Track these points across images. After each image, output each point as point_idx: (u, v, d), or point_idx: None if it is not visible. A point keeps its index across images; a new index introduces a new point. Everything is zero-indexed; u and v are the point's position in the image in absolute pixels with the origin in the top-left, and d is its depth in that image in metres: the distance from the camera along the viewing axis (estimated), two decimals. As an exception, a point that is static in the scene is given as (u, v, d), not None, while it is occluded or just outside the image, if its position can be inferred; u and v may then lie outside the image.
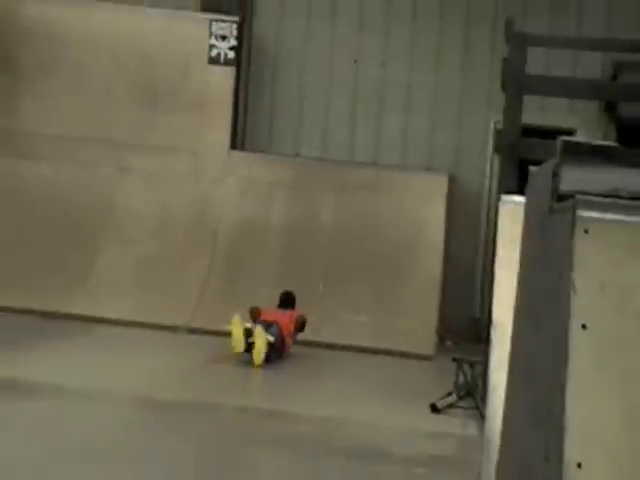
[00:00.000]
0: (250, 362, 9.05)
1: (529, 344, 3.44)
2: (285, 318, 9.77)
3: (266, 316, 9.67)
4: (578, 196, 2.41)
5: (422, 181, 11.66)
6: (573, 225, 2.33)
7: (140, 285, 11.06)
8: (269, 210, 11.59)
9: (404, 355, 10.33)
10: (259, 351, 9.07)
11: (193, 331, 10.54)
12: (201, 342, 10.17)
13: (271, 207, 11.61)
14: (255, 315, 9.69)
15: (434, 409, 8.11)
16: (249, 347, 9.12)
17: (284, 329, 9.60)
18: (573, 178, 2.78)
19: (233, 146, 11.92)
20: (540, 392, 2.82)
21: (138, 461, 6.08)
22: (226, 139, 11.80)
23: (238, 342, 9.12)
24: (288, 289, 10.33)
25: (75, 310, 10.61)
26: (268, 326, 9.36)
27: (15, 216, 11.46)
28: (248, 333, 9.17)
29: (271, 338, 9.24)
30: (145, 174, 11.66)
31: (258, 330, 9.16)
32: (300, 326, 9.93)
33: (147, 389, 7.88)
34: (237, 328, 9.16)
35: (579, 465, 2.11)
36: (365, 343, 10.54)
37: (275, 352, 9.35)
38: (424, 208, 11.41)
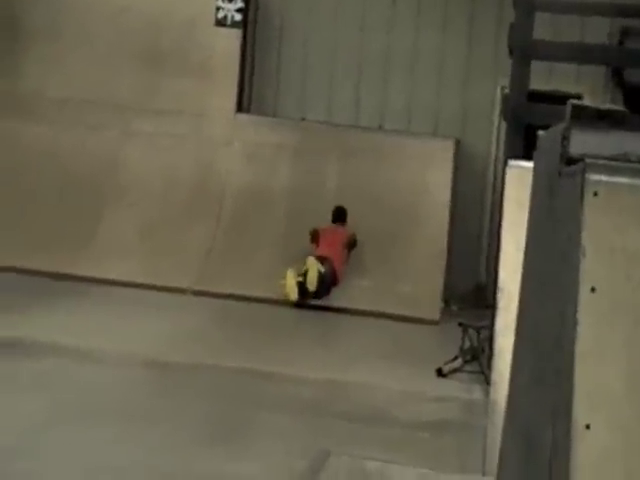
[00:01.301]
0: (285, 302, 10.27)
1: (536, 308, 3.44)
2: (338, 243, 10.76)
3: (324, 237, 10.80)
4: (587, 159, 2.41)
5: (428, 146, 11.63)
6: (582, 188, 2.32)
7: (145, 248, 11.07)
8: (274, 174, 11.57)
9: (409, 320, 10.34)
10: (312, 278, 10.28)
11: (198, 293, 10.56)
12: (206, 304, 10.20)
13: (276, 171, 11.59)
14: (315, 238, 10.83)
15: (439, 373, 8.13)
16: (302, 289, 10.31)
17: (336, 262, 10.66)
18: (582, 141, 2.77)
19: (239, 109, 11.88)
20: (547, 355, 2.82)
21: (140, 421, 6.10)
22: (232, 102, 11.76)
23: (291, 290, 10.26)
24: (340, 205, 11.13)
25: (81, 272, 10.63)
26: (322, 261, 10.50)
27: (20, 178, 11.46)
28: (301, 285, 10.32)
29: (322, 268, 10.39)
30: (150, 137, 11.64)
31: (310, 260, 10.41)
32: (352, 244, 10.92)
33: (151, 350, 7.91)
34: (290, 279, 10.30)
35: (587, 427, 2.11)
36: (370, 307, 10.56)
37: (325, 284, 10.40)
38: (430, 173, 11.38)
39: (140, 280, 10.58)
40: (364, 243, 11.18)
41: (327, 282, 10.51)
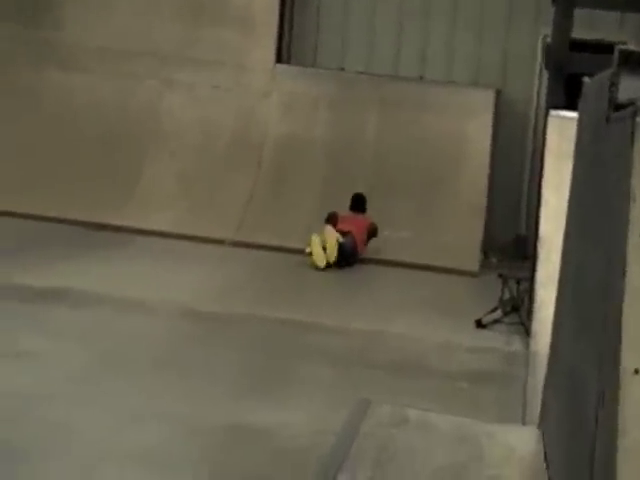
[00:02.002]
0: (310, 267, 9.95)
1: (581, 256, 3.42)
2: (359, 226, 10.39)
3: (342, 224, 10.31)
4: (638, 104, 2.37)
5: (468, 96, 11.52)
6: (633, 133, 2.29)
7: (186, 198, 11.11)
8: (313, 125, 11.54)
9: (449, 271, 10.32)
10: (331, 249, 9.98)
11: (238, 244, 10.60)
12: (245, 255, 10.24)
13: (315, 122, 11.55)
14: (333, 220, 10.34)
15: (479, 325, 8.13)
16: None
17: (357, 238, 10.30)
18: (631, 87, 2.73)
19: (278, 60, 11.83)
20: (593, 303, 2.80)
21: (179, 371, 6.17)
22: (271, 53, 11.72)
23: (319, 257, 9.94)
24: (359, 192, 10.79)
25: (122, 222, 10.70)
26: (343, 235, 10.16)
27: (62, 128, 11.53)
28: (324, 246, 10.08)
29: (341, 238, 10.07)
30: (190, 88, 11.65)
31: (328, 229, 10.10)
32: (372, 233, 10.53)
33: (190, 300, 7.97)
34: (316, 246, 9.97)
35: (636, 371, 2.10)
36: (409, 259, 10.54)
37: (345, 255, 10.09)
38: (470, 124, 11.30)
39: (180, 231, 10.63)
40: (402, 194, 11.14)
41: (347, 253, 10.18)
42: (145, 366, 6.22)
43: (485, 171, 11.18)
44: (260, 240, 10.59)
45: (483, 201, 11.08)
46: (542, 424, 4.32)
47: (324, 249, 10.01)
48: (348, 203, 10.75)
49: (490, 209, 11.20)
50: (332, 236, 10.07)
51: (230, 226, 10.87)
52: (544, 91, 10.93)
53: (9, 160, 11.32)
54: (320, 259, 9.96)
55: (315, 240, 10.00)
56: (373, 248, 10.63)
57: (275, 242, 10.56)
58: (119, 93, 11.65)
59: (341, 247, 10.07)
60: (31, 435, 4.87)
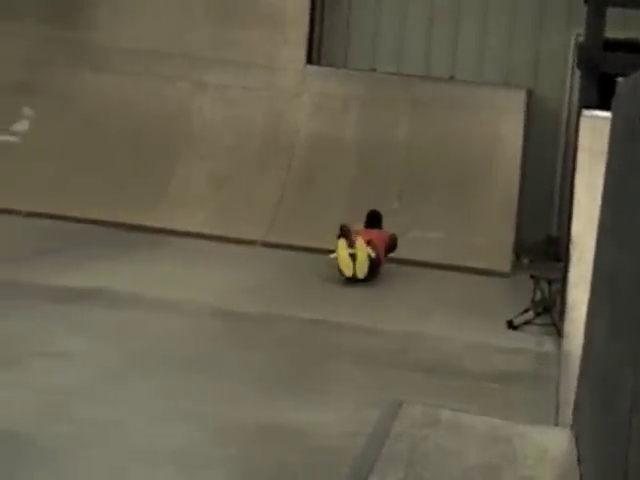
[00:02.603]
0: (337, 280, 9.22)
1: (614, 258, 3.40)
2: (378, 238, 9.74)
3: (359, 234, 9.65)
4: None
5: (499, 96, 11.48)
6: (668, 133, 2.28)
7: (217, 199, 11.15)
8: (344, 125, 11.54)
9: (480, 272, 10.29)
10: (362, 263, 9.23)
11: (268, 245, 10.62)
12: (275, 256, 10.26)
13: (346, 122, 11.55)
14: (346, 232, 9.64)
15: (510, 326, 8.10)
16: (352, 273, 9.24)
17: (379, 248, 9.62)
18: (666, 87, 2.71)
19: (309, 61, 11.84)
20: (627, 304, 2.79)
21: (211, 370, 6.19)
22: (302, 54, 11.73)
23: (346, 265, 9.21)
24: (374, 208, 10.32)
25: (153, 223, 10.75)
26: (367, 243, 9.50)
27: (94, 130, 11.60)
28: (353, 257, 9.25)
29: (372, 253, 9.37)
30: (221, 89, 11.68)
31: (360, 243, 9.30)
32: (392, 245, 9.93)
33: (222, 300, 7.99)
34: (343, 252, 9.26)
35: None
36: (440, 260, 10.52)
37: (373, 269, 9.38)
38: (501, 124, 11.26)
39: (211, 231, 10.67)
40: (433, 195, 11.12)
41: (375, 268, 9.47)
42: (176, 366, 6.24)
43: (516, 171, 11.14)
44: (291, 241, 10.60)
45: (514, 201, 11.03)
46: (575, 425, 4.31)
47: (352, 257, 9.25)
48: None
49: (521, 210, 11.16)
50: (363, 249, 9.34)
51: (261, 227, 10.90)
52: (576, 91, 10.88)
53: (43, 161, 11.41)
54: (346, 265, 9.22)
55: (341, 245, 9.31)
56: (404, 250, 10.60)
57: (306, 243, 10.57)
58: (150, 94, 11.71)
59: (372, 263, 9.35)
60: (62, 434, 4.91)
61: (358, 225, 9.99)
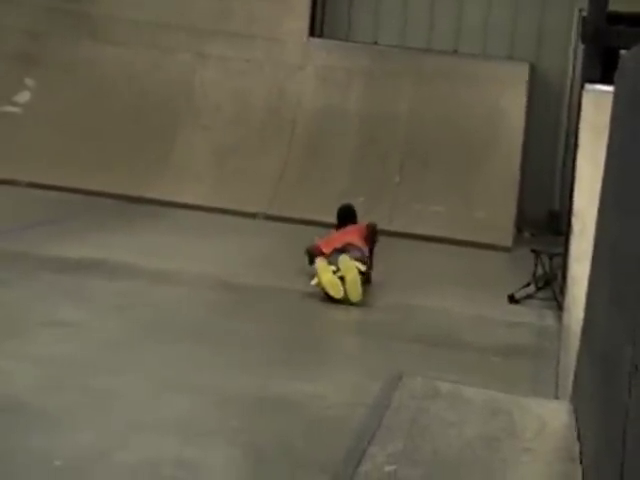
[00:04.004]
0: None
1: (616, 232, 3.41)
2: (355, 234, 8.21)
3: (332, 243, 8.04)
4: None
5: (502, 70, 11.45)
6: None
7: (219, 172, 11.14)
8: (346, 98, 11.51)
9: (481, 246, 10.30)
10: (353, 283, 7.43)
11: (270, 218, 10.62)
12: (277, 229, 10.26)
13: (349, 95, 11.53)
14: (315, 253, 7.97)
15: (512, 299, 8.11)
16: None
17: (360, 246, 8.08)
18: (670, 60, 2.71)
19: (311, 33, 11.80)
20: (627, 277, 2.80)
21: (212, 341, 6.21)
22: (305, 26, 11.70)
23: (334, 287, 7.41)
24: (346, 202, 9.00)
25: (155, 195, 10.76)
26: (343, 250, 7.83)
27: (96, 101, 11.58)
28: (341, 278, 7.49)
29: (362, 266, 7.69)
30: (223, 61, 11.65)
31: (344, 260, 7.56)
32: (372, 236, 8.35)
33: (223, 272, 8.00)
34: (326, 274, 7.46)
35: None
36: (441, 233, 10.53)
37: (369, 278, 7.95)
38: (504, 97, 11.23)
39: (213, 204, 10.67)
40: (435, 168, 11.10)
41: (369, 276, 7.94)
42: (177, 336, 6.26)
43: (519, 145, 11.13)
44: (293, 214, 10.61)
45: (517, 175, 11.03)
46: (574, 398, 4.32)
47: (340, 277, 7.45)
48: (373, 184, 10.50)
49: (523, 184, 11.15)
50: (351, 267, 7.50)
51: (263, 199, 10.90)
52: (579, 64, 10.84)
53: (44, 132, 11.39)
54: (333, 286, 7.37)
55: (322, 266, 7.52)
56: (405, 223, 10.59)
57: (308, 216, 10.56)
58: (152, 66, 11.67)
59: (362, 275, 7.64)
60: (65, 403, 4.93)
61: (327, 236, 8.46)
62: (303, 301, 7.50)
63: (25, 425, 4.58)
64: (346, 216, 8.74)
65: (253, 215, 10.62)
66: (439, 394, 4.39)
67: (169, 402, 5.09)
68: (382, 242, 10.09)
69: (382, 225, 10.52)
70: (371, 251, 8.22)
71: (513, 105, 11.20)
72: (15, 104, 11.65)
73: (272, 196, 10.98)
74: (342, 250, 7.80)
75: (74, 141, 11.30)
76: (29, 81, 11.74)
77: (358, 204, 10.76)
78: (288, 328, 6.77)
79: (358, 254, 7.82)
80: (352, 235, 8.15)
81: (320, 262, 7.57)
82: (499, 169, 11.04)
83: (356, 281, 7.44)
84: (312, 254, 7.97)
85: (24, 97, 11.70)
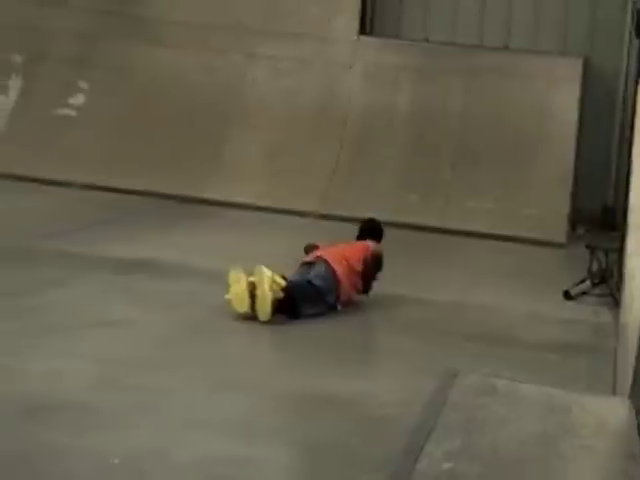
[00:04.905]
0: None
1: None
2: (355, 253, 7.34)
3: (327, 251, 7.31)
4: None
5: (555, 65, 11.33)
6: None
7: (270, 171, 11.15)
8: (397, 96, 11.46)
9: (535, 243, 10.19)
10: (262, 300, 6.50)
11: (322, 217, 10.60)
12: (329, 227, 10.24)
13: (399, 93, 11.47)
14: (308, 251, 7.48)
15: (567, 296, 8.02)
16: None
17: (340, 266, 7.08)
18: None
19: (362, 32, 11.77)
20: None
21: (266, 341, 6.22)
22: (355, 24, 11.66)
23: (238, 301, 6.60)
24: (372, 216, 8.18)
25: (208, 195, 10.79)
26: (309, 266, 7.08)
27: (148, 102, 11.64)
28: (252, 295, 6.61)
29: (280, 280, 6.71)
30: (273, 60, 11.66)
31: (259, 271, 6.64)
32: (375, 263, 7.38)
33: (276, 271, 7.98)
34: (236, 282, 6.65)
35: None
36: (494, 230, 10.44)
37: (301, 298, 6.74)
38: (557, 93, 11.11)
39: (264, 203, 10.67)
40: (487, 165, 11.00)
41: (305, 295, 6.78)
42: (229, 335, 6.28)
43: (572, 141, 11.00)
44: (344, 212, 10.57)
45: (570, 171, 10.90)
46: (634, 395, 4.26)
47: (253, 293, 6.57)
48: (425, 182, 10.35)
49: (577, 179, 11.02)
50: (261, 281, 6.57)
51: (314, 198, 10.88)
52: (634, 59, 10.69)
53: (98, 134, 11.49)
54: (238, 300, 6.58)
55: (234, 277, 6.68)
56: (456, 220, 10.50)
57: (359, 214, 10.49)
58: (204, 67, 11.72)
59: (286, 294, 6.65)
60: (121, 401, 4.96)
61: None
62: (356, 298, 7.47)
63: (82, 423, 4.62)
64: (368, 230, 7.83)
65: (305, 214, 10.61)
66: (495, 391, 4.35)
67: (222, 401, 5.11)
68: (434, 239, 10.07)
69: (434, 222, 10.52)
70: (369, 277, 7.31)
71: (566, 100, 11.07)
72: (70, 107, 11.76)
73: (323, 195, 10.97)
74: (311, 263, 7.09)
75: (127, 142, 11.38)
76: (83, 84, 11.85)
77: (410, 202, 10.80)
78: (339, 327, 6.74)
79: (321, 269, 6.94)
80: (352, 251, 7.36)
81: (234, 273, 6.72)
82: (552, 165, 10.93)
83: (264, 298, 6.50)
84: (309, 251, 7.45)
85: (78, 100, 11.80)
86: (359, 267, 7.23)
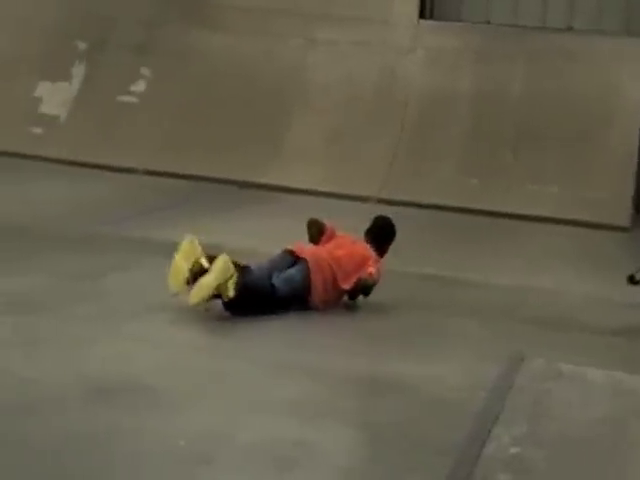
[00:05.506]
0: None
1: None
2: (350, 254, 6.52)
3: (331, 242, 6.66)
4: None
5: (620, 46, 11.16)
6: None
7: (330, 156, 11.14)
8: (458, 79, 11.38)
9: (598, 226, 10.07)
10: (200, 287, 5.83)
11: (382, 201, 10.57)
12: (390, 212, 10.16)
13: (460, 76, 11.39)
14: (316, 233, 6.75)
15: (631, 280, 7.89)
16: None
17: (321, 275, 6.32)
18: None
19: (422, 15, 11.70)
20: None
21: (327, 324, 6.21)
22: (415, 8, 11.60)
23: (175, 274, 5.97)
24: (384, 214, 7.16)
25: (268, 180, 10.82)
26: (287, 260, 6.43)
27: (209, 88, 11.71)
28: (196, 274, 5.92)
29: (231, 290, 5.84)
30: (333, 45, 11.64)
31: (220, 259, 5.90)
32: (360, 287, 6.46)
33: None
34: (178, 261, 5.98)
35: None
36: (556, 214, 10.34)
37: (250, 305, 6.03)
38: (622, 75, 10.95)
39: (325, 188, 10.67)
40: (549, 148, 10.88)
41: (259, 300, 6.08)
42: (290, 319, 6.27)
43: (637, 123, 10.84)
44: (405, 197, 10.53)
45: (634, 155, 10.75)
46: None
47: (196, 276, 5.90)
48: (486, 166, 10.27)
49: (642, 163, 10.86)
50: (223, 269, 5.84)
51: (375, 183, 10.85)
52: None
53: (159, 121, 11.57)
54: (175, 274, 5.97)
55: (186, 246, 6.04)
56: (518, 204, 10.39)
57: (420, 199, 10.49)
58: (264, 52, 11.74)
59: (243, 294, 5.91)
60: (185, 384, 5.00)
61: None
62: (417, 283, 7.45)
63: (146, 406, 4.66)
64: (379, 236, 6.88)
65: (365, 199, 10.58)
66: (561, 375, 4.31)
67: (284, 384, 5.11)
68: (496, 224, 9.97)
69: (496, 207, 10.43)
70: (352, 297, 6.58)
71: (631, 81, 10.90)
72: (131, 93, 11.86)
73: (384, 179, 10.93)
74: (295, 261, 6.35)
75: (188, 128, 11.45)
76: (145, 70, 11.93)
77: (471, 186, 10.72)
78: (401, 311, 6.72)
79: (296, 276, 6.23)
80: (348, 263, 6.45)
81: (188, 241, 6.05)
82: (616, 148, 10.78)
83: (204, 286, 5.81)
84: (314, 229, 6.71)
85: (140, 86, 11.90)
86: (346, 286, 6.41)
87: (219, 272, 5.82)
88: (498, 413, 3.70)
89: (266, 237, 8.44)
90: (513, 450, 3.43)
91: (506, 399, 3.86)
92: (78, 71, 12.04)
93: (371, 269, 6.41)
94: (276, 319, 6.25)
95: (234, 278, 5.87)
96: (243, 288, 5.91)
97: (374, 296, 6.77)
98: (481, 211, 10.34)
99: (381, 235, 6.85)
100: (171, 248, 7.61)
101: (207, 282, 5.82)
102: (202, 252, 5.97)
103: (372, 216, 7.16)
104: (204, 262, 5.92)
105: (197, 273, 5.90)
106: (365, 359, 5.61)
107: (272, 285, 6.17)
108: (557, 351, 5.85)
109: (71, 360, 5.20)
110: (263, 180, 10.81)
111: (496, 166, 10.91)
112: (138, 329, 5.81)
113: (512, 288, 7.54)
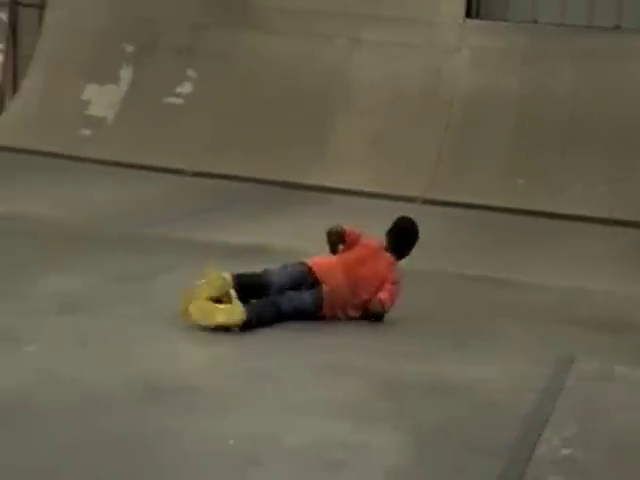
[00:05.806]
0: None
1: None
2: (374, 273, 6.19)
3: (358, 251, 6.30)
4: None
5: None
6: None
7: (376, 156, 11.12)
8: (504, 79, 11.32)
9: (647, 227, 9.98)
10: (196, 307, 5.73)
11: (427, 202, 10.53)
12: (436, 212, 10.15)
13: (506, 76, 11.33)
14: (336, 241, 6.46)
15: (682, 281, 7.81)
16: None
17: (334, 302, 6.06)
18: None
19: (468, 15, 11.64)
20: None
21: (374, 326, 6.18)
22: (461, 7, 11.55)
23: (197, 311, 5.73)
24: (407, 215, 6.71)
25: (314, 181, 10.83)
26: (299, 274, 6.16)
27: (255, 89, 11.74)
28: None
29: (227, 276, 5.88)
30: (378, 46, 11.62)
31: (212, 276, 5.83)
32: (374, 310, 6.16)
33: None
34: (210, 288, 5.82)
35: None
36: (604, 214, 10.25)
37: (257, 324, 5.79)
38: (671, 73, 10.84)
39: (371, 189, 10.66)
40: (597, 148, 10.77)
41: (265, 320, 5.86)
42: (328, 322, 6.23)
43: (686, 122, 10.72)
44: (451, 197, 10.49)
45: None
46: None
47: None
48: (533, 166, 10.26)
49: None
50: (210, 284, 5.78)
51: (421, 183, 10.81)
52: None
53: (205, 122, 11.62)
54: (197, 311, 5.70)
55: (209, 275, 5.89)
56: (566, 205, 10.30)
57: (466, 199, 10.44)
58: (309, 53, 11.75)
59: (250, 321, 5.74)
60: (231, 385, 5.00)
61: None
62: (466, 284, 7.40)
63: (193, 407, 4.66)
64: (400, 241, 6.47)
65: (412, 199, 10.54)
66: (613, 377, 4.25)
67: (332, 386, 5.09)
68: (544, 225, 9.89)
69: (543, 207, 10.35)
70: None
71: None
72: (178, 95, 11.93)
73: (430, 180, 10.89)
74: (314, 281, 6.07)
75: (234, 130, 11.49)
76: (191, 72, 12.00)
77: (517, 187, 10.65)
78: (451, 311, 6.68)
79: (306, 298, 6.01)
80: (365, 280, 6.14)
81: (213, 274, 5.90)
82: (665, 148, 10.66)
83: (208, 311, 5.71)
84: (334, 237, 6.45)
85: (186, 88, 11.96)
86: (355, 314, 6.17)
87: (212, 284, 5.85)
88: (549, 415, 3.66)
89: (311, 238, 8.43)
90: (564, 452, 3.39)
91: (557, 401, 3.82)
92: (125, 74, 12.13)
93: (383, 295, 6.15)
94: (316, 322, 6.22)
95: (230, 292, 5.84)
96: (249, 317, 5.78)
97: (422, 296, 6.74)
98: (528, 211, 10.28)
99: (402, 237, 6.50)
100: (217, 249, 7.65)
101: (197, 305, 5.78)
102: (230, 284, 5.90)
103: (415, 217, 7.03)
104: (232, 294, 5.86)
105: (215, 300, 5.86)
106: (413, 360, 5.58)
107: (277, 305, 6.00)
108: (608, 353, 5.77)
109: (119, 361, 5.22)
110: (308, 181, 10.82)
111: (543, 166, 10.84)
112: (185, 330, 5.82)
113: (562, 289, 7.47)
